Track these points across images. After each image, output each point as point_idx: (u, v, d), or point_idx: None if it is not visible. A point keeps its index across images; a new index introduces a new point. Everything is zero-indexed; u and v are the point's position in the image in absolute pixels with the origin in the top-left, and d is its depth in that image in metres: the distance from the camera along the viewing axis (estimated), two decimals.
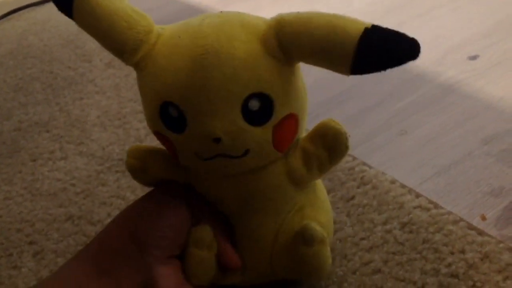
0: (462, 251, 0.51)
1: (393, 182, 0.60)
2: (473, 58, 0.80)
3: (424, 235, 0.53)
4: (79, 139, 0.77)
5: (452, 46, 0.84)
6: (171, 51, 0.41)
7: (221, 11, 0.43)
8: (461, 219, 0.54)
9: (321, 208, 0.48)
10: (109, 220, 0.62)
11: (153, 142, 0.73)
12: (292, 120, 0.42)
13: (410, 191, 0.59)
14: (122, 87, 0.87)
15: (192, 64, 0.39)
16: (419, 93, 0.76)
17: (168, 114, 0.41)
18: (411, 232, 0.54)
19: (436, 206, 0.56)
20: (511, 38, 0.83)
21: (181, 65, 0.40)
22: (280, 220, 0.47)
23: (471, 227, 0.54)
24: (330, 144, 0.44)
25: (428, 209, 0.56)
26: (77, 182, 0.69)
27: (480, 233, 0.53)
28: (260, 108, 0.40)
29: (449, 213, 0.55)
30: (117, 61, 0.93)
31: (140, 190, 0.66)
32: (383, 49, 0.36)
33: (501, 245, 0.51)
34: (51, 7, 1.21)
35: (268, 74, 0.40)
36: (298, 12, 0.40)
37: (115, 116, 0.81)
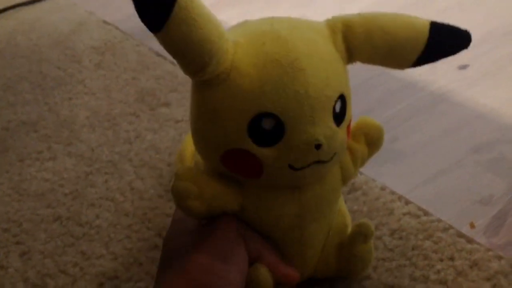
0: (451, 258, 0.51)
1: (383, 188, 0.60)
2: (463, 67, 0.81)
3: (413, 242, 0.53)
4: (67, 139, 0.77)
5: None
6: (258, 59, 0.38)
7: (272, 17, 0.42)
8: (451, 227, 0.55)
9: (341, 200, 0.50)
10: (97, 222, 0.62)
11: (143, 145, 0.73)
12: (350, 122, 0.44)
13: (400, 197, 0.59)
14: (112, 88, 0.86)
15: (289, 70, 0.38)
16: (410, 101, 0.76)
17: (259, 127, 0.39)
18: (400, 238, 0.54)
19: (426, 213, 0.57)
20: (500, 48, 0.83)
21: (275, 73, 0.38)
22: (331, 222, 0.47)
23: (460, 234, 0.54)
24: (372, 141, 0.46)
25: (418, 216, 0.56)
26: (66, 183, 0.69)
27: (469, 240, 0.53)
28: (341, 109, 0.41)
29: (439, 220, 0.55)
30: (107, 62, 0.93)
31: (129, 193, 0.66)
32: (449, 41, 0.42)
33: (490, 253, 0.51)
34: (40, 7, 1.20)
35: (345, 75, 0.41)
36: (359, 13, 0.41)
37: (104, 117, 0.80)
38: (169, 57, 0.95)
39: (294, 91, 0.38)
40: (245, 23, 0.42)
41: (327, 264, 0.48)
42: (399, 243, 0.54)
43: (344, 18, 0.41)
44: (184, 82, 0.85)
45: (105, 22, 1.09)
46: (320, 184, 0.44)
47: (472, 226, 0.55)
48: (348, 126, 0.43)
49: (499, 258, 0.51)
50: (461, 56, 0.82)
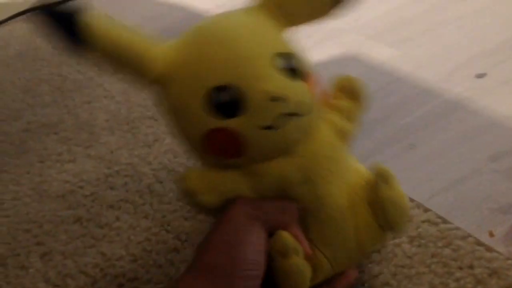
0: (471, 267, 0.51)
1: None
2: (481, 76, 0.81)
3: (432, 249, 0.54)
4: (87, 142, 0.78)
5: (460, 63, 0.84)
6: (192, 48, 0.43)
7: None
8: (469, 235, 0.55)
9: (355, 161, 0.50)
10: (117, 223, 0.63)
11: (162, 148, 0.74)
12: (310, 77, 0.45)
13: (419, 205, 0.59)
14: (131, 92, 0.87)
15: (219, 45, 0.42)
16: (427, 108, 0.76)
17: (219, 102, 0.41)
18: (419, 246, 0.54)
19: (445, 221, 0.57)
20: None
21: (211, 50, 0.42)
22: (349, 180, 0.47)
23: (479, 243, 0.54)
24: (353, 93, 0.48)
25: (437, 224, 0.56)
26: (85, 184, 0.70)
27: (488, 249, 0.53)
28: (290, 66, 0.43)
29: (457, 228, 0.56)
30: None
31: (148, 195, 0.66)
32: None
33: (509, 261, 0.52)
34: None
35: (282, 37, 0.45)
36: None
37: (123, 120, 0.81)
38: None
39: (228, 59, 0.41)
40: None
41: (369, 227, 0.47)
42: (418, 250, 0.54)
43: None
44: None
45: None
46: (313, 144, 0.45)
47: (491, 234, 0.55)
48: (311, 83, 0.45)
49: None
50: (479, 65, 0.83)
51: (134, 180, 0.69)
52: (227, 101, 0.41)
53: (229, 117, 0.41)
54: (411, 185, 0.63)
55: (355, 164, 0.50)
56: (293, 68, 0.43)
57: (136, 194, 0.67)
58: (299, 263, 0.44)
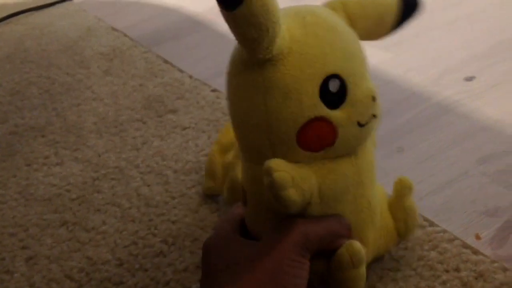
0: (457, 269, 0.51)
1: None
2: (470, 79, 0.81)
3: (419, 252, 0.53)
4: (75, 145, 0.77)
5: (449, 67, 0.84)
6: (307, 30, 0.42)
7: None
8: (456, 238, 0.55)
9: None
10: (104, 227, 0.62)
11: (150, 151, 0.73)
12: None
13: None
14: (119, 94, 0.87)
15: (336, 34, 0.43)
16: (416, 112, 0.76)
17: (327, 91, 0.42)
18: (406, 249, 0.54)
19: (432, 224, 0.57)
20: (507, 60, 0.83)
21: (328, 36, 0.42)
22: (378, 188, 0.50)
23: (466, 245, 0.54)
24: None
25: (424, 227, 0.56)
26: (72, 188, 0.69)
27: (475, 252, 0.53)
28: None
29: (444, 231, 0.56)
30: (115, 69, 0.94)
31: (136, 199, 0.66)
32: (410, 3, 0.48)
33: (496, 264, 0.51)
34: (50, 13, 1.21)
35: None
36: None
37: (111, 123, 0.80)
38: (176, 64, 0.96)
39: (347, 50, 0.43)
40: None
41: (389, 232, 0.51)
42: (404, 253, 0.54)
43: (338, 1, 0.47)
44: (191, 89, 0.86)
45: (113, 28, 1.10)
46: (365, 148, 0.46)
47: (477, 237, 0.55)
48: None
49: (504, 269, 0.51)
50: (468, 68, 0.83)
51: (122, 184, 0.69)
52: (336, 92, 0.42)
53: (332, 108, 0.42)
54: None
55: None
56: None
57: (123, 197, 0.67)
58: (365, 271, 0.46)
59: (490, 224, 0.57)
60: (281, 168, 0.41)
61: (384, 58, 0.88)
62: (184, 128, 0.77)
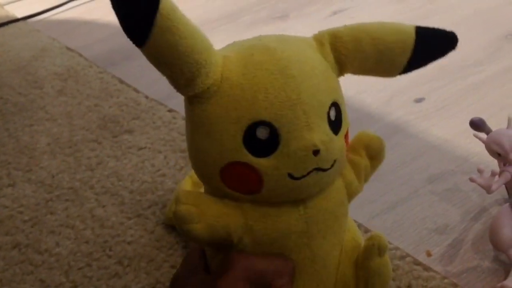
0: (409, 286, 0.53)
1: None
2: (419, 100, 0.84)
3: None
4: (27, 166, 0.76)
5: (399, 88, 0.87)
6: (248, 70, 0.39)
7: (260, 35, 0.43)
8: (408, 255, 0.56)
9: (350, 218, 0.48)
10: (57, 249, 0.61)
11: (105, 171, 0.73)
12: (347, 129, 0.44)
13: (360, 226, 0.60)
14: (74, 115, 0.86)
15: (279, 77, 0.38)
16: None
17: (254, 138, 0.39)
18: None
19: None
20: (456, 81, 0.87)
21: (266, 80, 0.38)
22: (342, 240, 0.46)
23: (417, 262, 0.55)
24: (374, 153, 0.46)
25: None
26: (25, 209, 0.68)
27: (426, 268, 0.55)
28: (336, 117, 0.41)
29: (396, 248, 0.57)
30: (70, 89, 0.93)
31: (90, 220, 0.65)
32: (435, 42, 0.43)
33: (446, 280, 0.53)
34: (3, 32, 1.19)
35: (337, 84, 0.42)
36: (344, 25, 0.43)
37: (66, 144, 0.80)
38: (132, 84, 0.96)
39: (286, 97, 0.38)
40: (233, 43, 0.43)
41: (346, 286, 0.46)
42: None
43: (330, 30, 0.42)
44: (147, 109, 0.85)
45: (68, 48, 1.09)
46: (325, 198, 0.43)
47: (428, 254, 0.57)
48: (346, 136, 0.43)
49: (455, 286, 0.52)
50: (418, 90, 0.85)
51: (76, 205, 0.68)
52: (263, 139, 0.38)
53: (259, 156, 0.39)
54: (352, 206, 0.64)
55: (350, 222, 0.48)
56: (339, 119, 0.41)
57: (77, 219, 0.66)
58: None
59: (440, 241, 0.59)
60: (189, 201, 0.40)
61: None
62: (140, 148, 0.77)
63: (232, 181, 0.40)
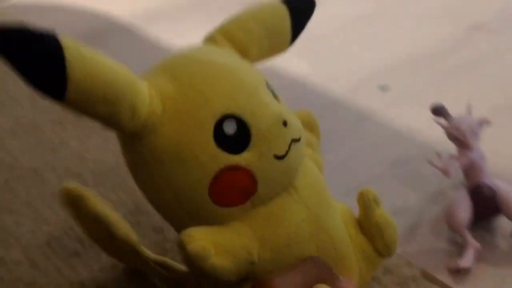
0: None
1: None
2: (385, 89, 0.85)
3: None
4: None
5: (366, 76, 0.88)
6: (181, 81, 0.39)
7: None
8: None
9: None
10: (16, 228, 0.60)
11: (67, 152, 0.72)
12: None
13: None
14: (36, 96, 0.84)
15: (216, 72, 0.39)
16: (335, 120, 0.79)
17: (225, 136, 0.37)
18: None
19: None
20: (421, 70, 0.88)
21: (207, 81, 0.39)
22: (338, 209, 0.45)
23: None
24: (311, 126, 0.50)
25: None
26: None
27: None
28: (273, 92, 0.42)
29: None
30: None
31: (50, 200, 0.64)
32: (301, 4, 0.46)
33: (402, 260, 0.54)
34: None
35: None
36: (225, 19, 0.44)
37: (28, 125, 0.78)
38: None
39: (232, 85, 0.39)
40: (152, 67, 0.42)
41: (368, 256, 0.45)
42: None
43: (219, 30, 0.44)
44: None
45: None
46: (306, 175, 0.42)
47: None
48: None
49: (411, 265, 0.53)
50: (383, 78, 0.86)
51: (37, 185, 0.67)
52: (234, 133, 0.37)
53: (238, 152, 0.37)
54: None
55: None
56: (275, 94, 0.42)
57: (37, 198, 0.65)
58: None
59: (399, 223, 0.59)
60: (196, 238, 0.37)
61: (306, 69, 0.91)
62: (103, 129, 0.76)
63: (224, 195, 0.38)
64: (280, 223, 0.40)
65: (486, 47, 0.92)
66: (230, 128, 0.37)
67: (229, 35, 0.43)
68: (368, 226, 0.45)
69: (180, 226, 0.39)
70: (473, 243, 0.54)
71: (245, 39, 0.43)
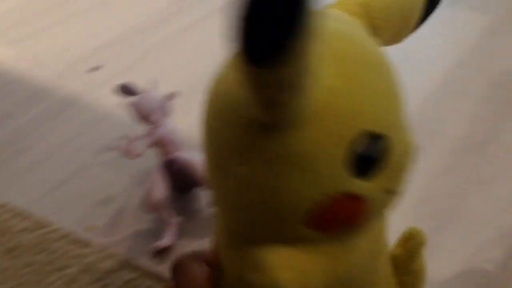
0: (64, 267, 0.51)
1: (2, 206, 0.57)
2: (95, 69, 0.82)
3: (27, 258, 0.52)
4: None
5: (76, 58, 0.84)
6: (342, 69, 0.29)
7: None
8: (66, 235, 0.55)
9: None
10: None
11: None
12: None
13: (19, 214, 0.57)
14: None
15: (372, 69, 0.30)
16: (40, 109, 0.74)
17: (357, 157, 0.29)
18: (14, 258, 0.52)
19: (44, 225, 0.56)
20: (133, 47, 0.86)
21: (366, 79, 0.30)
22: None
23: (76, 241, 0.54)
24: None
25: (33, 231, 0.55)
26: None
27: (85, 245, 0.54)
28: None
29: (55, 230, 0.55)
30: None
31: None
32: None
33: (102, 253, 0.53)
34: None
35: None
36: None
37: None
38: None
39: (386, 91, 0.30)
40: None
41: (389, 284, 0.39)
42: (12, 263, 0.52)
43: (358, 0, 0.34)
44: None
45: None
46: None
47: (90, 228, 0.56)
48: None
49: (111, 257, 0.52)
50: (94, 58, 0.83)
51: None
52: (371, 157, 0.29)
53: (362, 177, 0.30)
54: (17, 192, 0.61)
55: None
56: None
57: None
58: None
59: (105, 213, 0.58)
60: (283, 263, 0.31)
61: (10, 55, 0.84)
62: None
63: (325, 219, 0.30)
64: (354, 259, 0.34)
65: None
66: (370, 149, 0.30)
67: (370, 11, 0.34)
68: (404, 270, 0.40)
69: (243, 232, 0.32)
70: (172, 220, 0.54)
71: (382, 19, 0.34)
